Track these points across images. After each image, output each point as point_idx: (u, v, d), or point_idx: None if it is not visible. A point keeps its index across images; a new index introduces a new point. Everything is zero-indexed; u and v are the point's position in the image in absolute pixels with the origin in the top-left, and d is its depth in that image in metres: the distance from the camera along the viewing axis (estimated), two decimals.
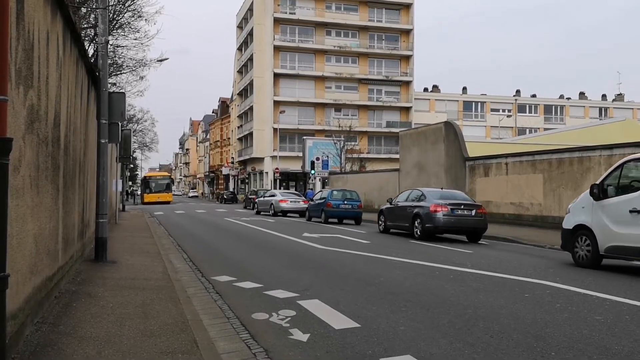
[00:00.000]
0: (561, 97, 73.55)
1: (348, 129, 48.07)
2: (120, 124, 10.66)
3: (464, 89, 70.37)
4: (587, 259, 10.28)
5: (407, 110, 62.72)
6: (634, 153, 16.52)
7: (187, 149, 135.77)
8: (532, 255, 12.58)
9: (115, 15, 17.21)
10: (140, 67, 21.77)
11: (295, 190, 48.30)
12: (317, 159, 43.65)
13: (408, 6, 62.39)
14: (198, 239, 15.97)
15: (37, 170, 5.00)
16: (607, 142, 19.90)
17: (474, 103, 69.19)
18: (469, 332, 5.33)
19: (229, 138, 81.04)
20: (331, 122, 55.23)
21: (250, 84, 62.23)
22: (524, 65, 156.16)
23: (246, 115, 66.22)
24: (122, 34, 18.70)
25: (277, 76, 58.62)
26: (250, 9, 62.65)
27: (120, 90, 19.56)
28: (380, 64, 62.28)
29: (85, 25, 14.62)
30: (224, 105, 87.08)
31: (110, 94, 10.30)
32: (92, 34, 15.47)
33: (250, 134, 62.01)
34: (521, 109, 70.33)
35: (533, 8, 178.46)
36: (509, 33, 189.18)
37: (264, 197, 33.12)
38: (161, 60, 21.70)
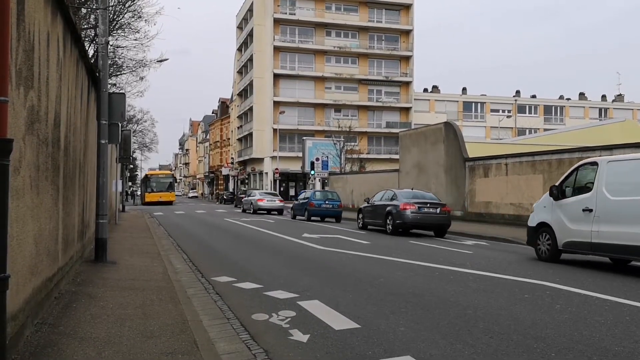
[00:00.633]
0: (561, 97, 73.58)
1: (348, 129, 48.08)
2: (120, 125, 10.66)
3: (464, 89, 70.41)
4: (548, 253, 11.34)
5: (407, 110, 62.74)
6: (634, 153, 16.60)
7: (186, 150, 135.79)
8: (532, 256, 12.58)
9: (115, 16, 17.21)
10: (140, 67, 21.79)
11: (295, 190, 52.25)
12: (317, 159, 43.65)
13: (408, 7, 62.43)
14: (198, 239, 15.97)
15: (37, 171, 5.00)
16: (607, 143, 19.91)
17: (473, 103, 69.20)
18: (469, 333, 5.34)
19: (228, 138, 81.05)
20: (331, 122, 55.25)
21: (250, 84, 62.25)
22: (523, 65, 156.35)
23: (246, 115, 66.23)
24: (122, 34, 18.71)
25: (277, 77, 58.65)
26: (250, 10, 62.66)
27: (120, 91, 19.59)
28: (380, 64, 62.31)
29: (85, 26, 14.62)
30: (224, 106, 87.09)
31: (110, 95, 10.31)
32: (92, 34, 15.47)
33: (250, 134, 62.02)
34: (521, 109, 70.36)
35: (533, 9, 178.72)
36: (509, 34, 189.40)
37: (248, 197, 37.02)
38: (161, 61, 21.71)
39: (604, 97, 75.34)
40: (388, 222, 18.32)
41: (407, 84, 62.67)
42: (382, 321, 5.79)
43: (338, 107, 60.44)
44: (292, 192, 57.95)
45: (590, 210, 10.26)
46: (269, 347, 4.85)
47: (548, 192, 11.55)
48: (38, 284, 5.24)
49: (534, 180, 21.56)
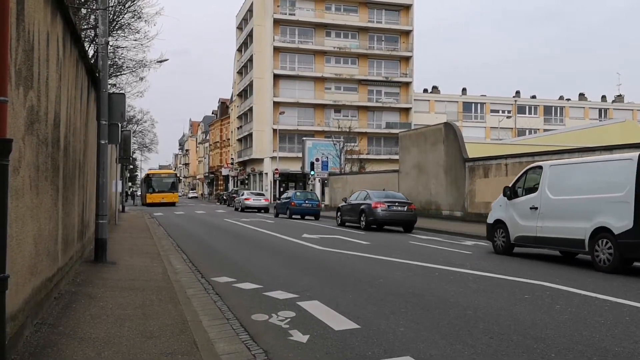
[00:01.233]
0: (561, 98, 73.60)
1: (348, 129, 48.08)
2: (120, 125, 10.66)
3: (464, 90, 70.43)
4: (503, 247, 12.82)
5: (406, 111, 62.75)
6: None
7: (186, 150, 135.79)
8: (532, 257, 12.58)
9: (115, 17, 17.22)
10: (140, 68, 21.81)
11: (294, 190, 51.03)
12: (317, 159, 43.66)
13: (408, 7, 62.43)
14: (198, 239, 15.97)
15: (36, 171, 5.00)
16: (607, 143, 19.90)
17: (473, 104, 69.21)
18: (469, 333, 5.33)
19: (228, 139, 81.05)
20: (331, 123, 55.22)
21: (250, 84, 62.25)
22: (523, 66, 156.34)
23: (246, 116, 66.23)
24: (122, 35, 18.73)
25: (276, 77, 58.65)
26: (250, 10, 62.67)
27: (120, 91, 19.57)
28: (380, 64, 62.30)
29: (85, 26, 14.63)
30: (224, 106, 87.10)
31: (110, 95, 10.30)
32: (92, 35, 15.48)
33: (250, 134, 62.02)
34: (521, 110, 70.37)
35: (533, 9, 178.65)
36: (509, 34, 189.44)
37: (238, 196, 41.79)
38: (161, 61, 21.73)
39: (603, 97, 75.36)
40: (362, 219, 20.58)
41: (407, 84, 62.68)
42: (382, 321, 5.79)
43: (338, 108, 60.44)
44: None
45: (536, 208, 11.81)
46: (268, 347, 4.85)
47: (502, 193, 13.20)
48: (37, 284, 5.24)
49: None
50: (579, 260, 11.94)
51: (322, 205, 30.37)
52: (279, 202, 31.98)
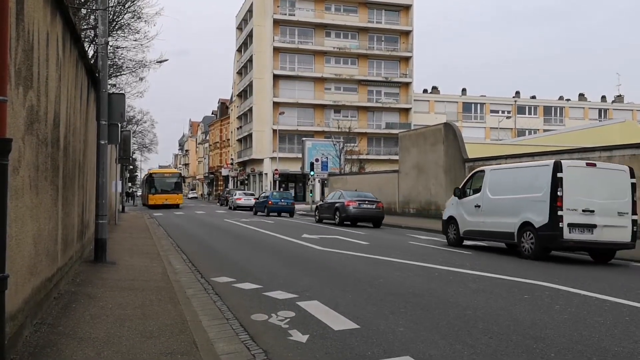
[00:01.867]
0: (560, 98, 73.62)
1: (347, 130, 48.09)
2: (119, 125, 10.66)
3: (464, 90, 70.46)
4: (454, 240, 14.80)
5: (406, 111, 62.77)
6: (634, 155, 16.59)
7: (186, 150, 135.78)
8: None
9: (115, 17, 17.21)
10: (139, 68, 21.79)
11: (295, 191, 53.61)
12: (317, 160, 43.61)
13: (407, 7, 62.45)
14: (197, 240, 15.97)
15: (36, 171, 5.00)
16: (607, 144, 19.90)
17: (473, 104, 69.23)
18: (469, 334, 5.33)
19: (228, 139, 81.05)
20: (330, 123, 55.22)
21: (250, 85, 62.26)
22: (523, 66, 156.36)
23: (245, 116, 66.24)
24: (122, 35, 18.72)
25: (276, 77, 58.65)
26: (250, 10, 62.68)
27: (120, 92, 19.56)
28: (379, 65, 62.31)
29: (85, 27, 14.63)
30: (224, 107, 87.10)
31: (110, 95, 10.30)
32: (92, 35, 15.48)
33: (250, 135, 62.03)
34: (521, 110, 70.39)
35: (533, 9, 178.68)
36: (509, 34, 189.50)
37: (231, 196, 46.05)
38: (161, 62, 21.72)
39: (603, 97, 75.39)
40: (336, 215, 23.33)
41: (407, 84, 62.69)
42: (382, 321, 5.79)
43: (338, 108, 60.44)
44: (292, 192, 58.01)
45: (479, 206, 13.82)
46: (268, 347, 4.85)
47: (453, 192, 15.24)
48: (37, 284, 5.24)
49: None
50: (579, 261, 11.95)
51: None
52: (258, 201, 35.60)
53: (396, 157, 39.98)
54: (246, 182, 67.28)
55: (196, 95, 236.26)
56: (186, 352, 4.53)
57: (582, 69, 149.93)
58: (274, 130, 55.67)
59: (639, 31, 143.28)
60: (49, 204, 5.76)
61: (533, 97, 72.45)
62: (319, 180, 44.96)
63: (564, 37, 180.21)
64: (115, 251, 11.17)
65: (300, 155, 49.68)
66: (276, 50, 58.76)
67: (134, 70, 21.88)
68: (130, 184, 70.80)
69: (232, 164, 73.41)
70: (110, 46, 16.44)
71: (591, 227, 11.50)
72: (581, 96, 74.21)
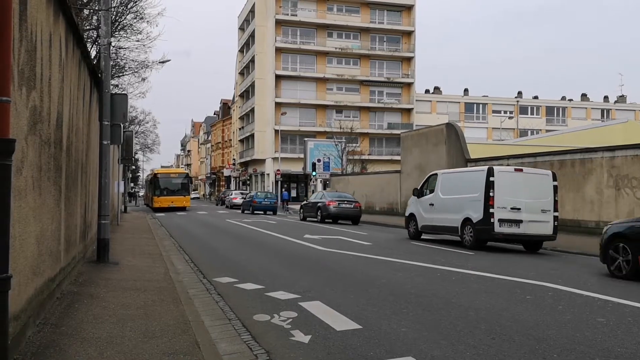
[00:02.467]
0: (563, 98, 73.46)
1: (349, 130, 48.07)
2: (122, 126, 10.67)
3: (466, 90, 70.32)
4: (414, 233, 17.09)
5: (408, 111, 62.70)
6: (636, 155, 16.54)
7: (188, 151, 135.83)
8: (533, 257, 12.58)
9: (117, 17, 17.22)
10: (142, 68, 21.77)
11: (297, 192, 54.44)
12: (319, 160, 43.62)
13: (409, 8, 62.39)
14: (199, 240, 15.98)
15: (39, 172, 5.01)
16: (609, 144, 19.87)
17: (475, 104, 69.10)
18: (471, 334, 5.33)
19: (230, 139, 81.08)
20: (332, 123, 55.10)
21: (252, 85, 62.27)
22: (525, 66, 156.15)
23: (247, 116, 66.26)
24: (125, 35, 18.72)
25: (278, 78, 58.64)
26: (252, 11, 62.69)
27: (122, 92, 19.59)
28: (381, 65, 62.25)
29: (87, 27, 14.65)
30: (226, 107, 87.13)
31: (113, 96, 10.32)
32: (95, 35, 15.49)
33: (252, 135, 62.04)
34: (523, 110, 70.25)
35: (535, 9, 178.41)
36: (511, 34, 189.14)
37: (229, 196, 49.75)
38: (163, 62, 21.67)
39: (606, 98, 75.19)
40: (318, 214, 25.91)
41: (409, 85, 62.62)
42: (384, 322, 5.79)
43: (339, 108, 60.40)
44: (293, 193, 58.03)
45: (433, 205, 16.14)
46: (270, 347, 4.85)
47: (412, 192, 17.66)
48: (40, 284, 5.25)
49: None
50: (580, 261, 11.94)
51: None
52: (244, 201, 39.90)
53: (398, 158, 39.89)
54: (248, 182, 67.28)
55: (198, 96, 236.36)
56: (188, 352, 4.53)
57: (585, 69, 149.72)
58: (276, 131, 55.66)
59: None
60: (51, 204, 5.78)
61: (535, 98, 72.30)
62: (320, 181, 44.92)
63: (565, 37, 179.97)
64: (117, 251, 11.19)
65: (302, 156, 49.68)
66: (278, 50, 58.75)
67: (136, 70, 21.88)
68: (132, 185, 70.91)
69: (234, 164, 73.41)
70: (113, 47, 16.46)
71: (518, 222, 13.76)
72: (584, 96, 74.06)
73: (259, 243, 14.93)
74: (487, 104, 69.31)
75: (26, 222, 4.50)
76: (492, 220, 13.68)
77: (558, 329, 5.57)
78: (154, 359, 4.35)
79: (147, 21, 18.73)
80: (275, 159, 54.39)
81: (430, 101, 66.74)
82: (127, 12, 17.85)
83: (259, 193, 39.64)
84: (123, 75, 22.14)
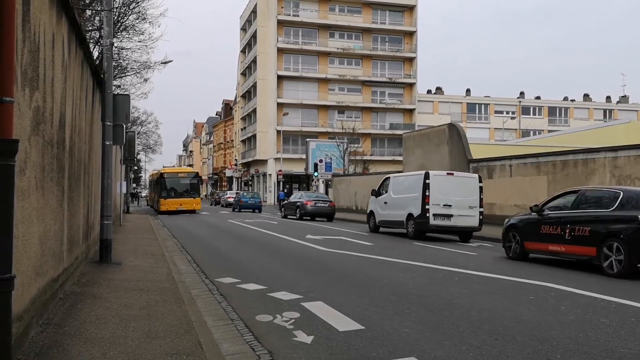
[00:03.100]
0: (565, 99, 73.37)
1: (351, 130, 48.05)
2: (124, 126, 10.69)
3: (468, 90, 70.29)
4: (373, 228, 20.29)
5: (410, 112, 62.70)
6: (638, 155, 16.51)
7: (190, 151, 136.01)
8: (535, 257, 12.56)
9: (119, 18, 17.24)
10: (144, 69, 21.76)
11: (298, 191, 53.70)
12: (321, 161, 43.62)
13: (411, 8, 62.40)
14: (202, 241, 15.99)
15: (42, 172, 5.02)
16: (612, 144, 19.84)
17: (477, 105, 69.07)
18: (474, 335, 5.32)
19: (232, 140, 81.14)
20: (334, 124, 55.13)
21: (254, 86, 62.31)
22: (527, 66, 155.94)
23: (249, 117, 66.31)
24: (127, 36, 18.72)
25: (280, 78, 58.69)
26: (254, 11, 62.74)
27: (125, 93, 19.61)
28: (383, 66, 62.26)
29: (90, 28, 14.67)
30: (228, 107, 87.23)
31: (115, 96, 10.33)
32: (97, 36, 15.51)
33: (254, 136, 62.08)
34: (525, 110, 70.20)
35: (537, 9, 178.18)
36: (513, 35, 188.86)
37: (223, 196, 55.45)
38: (165, 63, 21.68)
39: (608, 98, 75.08)
40: (297, 212, 29.02)
41: (411, 85, 62.63)
42: (386, 322, 5.78)
43: (341, 109, 60.42)
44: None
45: (386, 203, 19.27)
46: (273, 348, 4.85)
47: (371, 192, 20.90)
48: (43, 284, 5.26)
49: (539, 182, 21.49)
50: (583, 262, 11.88)
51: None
52: (234, 200, 44.90)
53: (400, 158, 39.89)
54: (250, 183, 67.32)
55: (200, 96, 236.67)
56: (191, 352, 4.54)
57: (587, 69, 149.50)
58: (278, 131, 55.71)
59: None
60: (54, 204, 5.78)
61: (537, 98, 72.23)
62: (322, 181, 44.93)
63: (567, 37, 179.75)
64: (120, 252, 11.20)
65: (304, 156, 49.71)
66: (280, 51, 58.80)
67: (138, 71, 21.86)
68: (134, 185, 71.00)
69: (236, 164, 73.48)
70: (115, 47, 16.47)
71: (449, 216, 16.82)
72: (586, 96, 73.96)
73: (261, 243, 14.93)
74: (489, 104, 69.27)
75: (29, 223, 4.51)
76: (428, 215, 16.67)
77: (561, 329, 5.56)
78: (157, 359, 4.36)
79: (150, 22, 18.73)
80: (277, 159, 54.44)
81: (432, 101, 66.72)
82: (130, 12, 17.86)
83: (245, 193, 44.94)
84: (125, 75, 22.15)
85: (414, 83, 62.51)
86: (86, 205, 9.26)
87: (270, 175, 57.87)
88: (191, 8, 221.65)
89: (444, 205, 16.70)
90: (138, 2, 17.58)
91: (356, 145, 49.50)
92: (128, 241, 14.30)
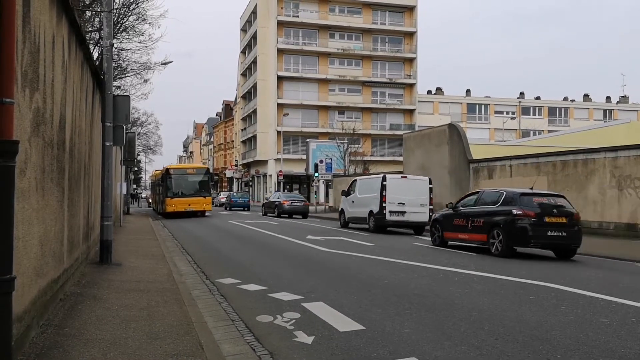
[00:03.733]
0: (565, 99, 73.34)
1: (351, 131, 48.05)
2: (124, 127, 10.69)
3: (468, 91, 70.27)
4: (343, 224, 22.92)
5: (410, 112, 62.69)
6: (638, 155, 16.53)
7: (190, 152, 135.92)
8: (536, 258, 12.56)
9: (119, 19, 17.25)
10: (144, 70, 21.80)
11: (299, 192, 53.62)
12: (321, 161, 43.60)
13: (411, 9, 62.39)
14: (202, 241, 15.99)
15: (42, 173, 5.02)
16: (612, 144, 19.84)
17: (477, 105, 69.05)
18: (474, 335, 5.32)
19: (232, 141, 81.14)
20: (335, 124, 55.14)
21: (254, 86, 62.31)
22: (527, 67, 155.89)
23: (250, 117, 66.30)
24: (127, 37, 18.75)
25: (280, 79, 58.70)
26: (254, 12, 62.74)
27: (125, 93, 19.62)
28: (383, 66, 62.25)
29: (90, 29, 14.68)
30: (228, 108, 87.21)
31: (115, 97, 10.34)
32: (97, 37, 15.53)
33: (254, 136, 62.07)
34: (525, 111, 70.18)
35: (537, 10, 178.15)
36: (513, 35, 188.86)
37: (217, 196, 56.50)
38: (165, 63, 21.71)
39: (608, 98, 75.05)
40: (275, 210, 32.37)
41: (411, 85, 62.62)
42: (387, 323, 5.78)
43: (342, 109, 60.40)
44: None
45: (354, 202, 22.17)
46: (273, 348, 4.85)
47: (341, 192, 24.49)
48: (43, 285, 5.26)
49: (539, 182, 21.49)
50: (582, 262, 11.92)
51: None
52: (226, 199, 47.58)
53: (401, 159, 39.83)
54: (250, 183, 67.32)
55: (200, 97, 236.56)
56: (192, 353, 4.54)
57: (587, 69, 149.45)
58: (278, 132, 55.70)
59: None
60: (55, 205, 5.79)
61: (537, 98, 72.20)
62: (323, 182, 44.94)
63: (567, 37, 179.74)
64: (120, 253, 11.20)
65: (304, 157, 49.71)
66: (280, 51, 58.79)
67: (138, 72, 21.90)
68: (135, 186, 71.01)
69: (236, 165, 73.46)
70: (115, 48, 16.48)
71: (403, 212, 19.68)
72: (586, 97, 73.92)
73: (262, 244, 14.93)
74: (489, 104, 69.25)
75: (29, 224, 4.51)
76: (385, 211, 19.60)
77: (561, 329, 5.56)
78: None
79: (149, 23, 18.76)
80: (277, 160, 54.43)
81: (433, 102, 66.70)
82: (130, 13, 17.88)
83: (234, 194, 49.17)
84: (125, 76, 22.19)
85: (414, 83, 62.50)
86: (86, 206, 9.26)
87: (270, 175, 57.86)
88: (190, 9, 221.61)
89: (398, 203, 19.60)
90: (138, 3, 17.60)
91: (356, 145, 49.50)
92: (128, 242, 14.30)
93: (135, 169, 60.81)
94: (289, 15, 59.59)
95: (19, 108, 3.99)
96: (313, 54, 60.20)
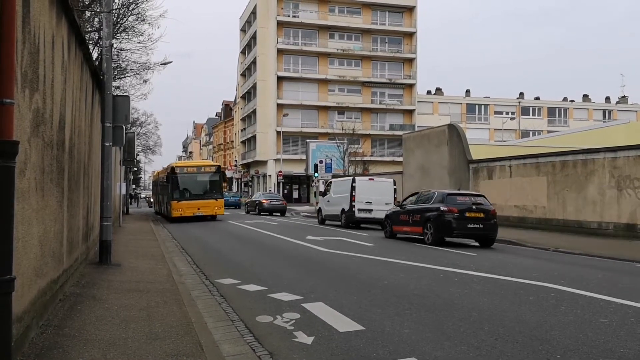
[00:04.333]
0: (565, 99, 73.35)
1: (351, 131, 48.03)
2: (124, 127, 10.69)
3: (467, 91, 70.28)
4: (320, 221, 25.55)
5: (410, 112, 62.69)
6: (638, 155, 16.55)
7: (190, 152, 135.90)
8: (536, 258, 12.56)
9: (119, 19, 17.26)
10: (144, 70, 21.82)
11: (299, 193, 56.17)
12: (321, 161, 43.58)
13: (411, 9, 62.40)
14: (202, 242, 15.99)
15: (42, 173, 5.02)
16: (611, 145, 19.84)
17: (477, 105, 69.06)
18: (474, 335, 5.32)
19: (232, 141, 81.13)
20: (334, 124, 55.11)
21: (254, 87, 62.29)
22: (527, 67, 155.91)
23: (249, 118, 66.28)
24: (126, 37, 18.77)
25: (280, 79, 58.69)
26: (254, 12, 62.73)
27: (124, 94, 19.62)
28: (383, 66, 62.25)
29: (89, 29, 14.69)
30: (227, 109, 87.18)
31: (115, 97, 10.34)
32: (97, 37, 15.53)
33: (254, 136, 62.05)
34: (525, 111, 70.19)
35: (537, 10, 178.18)
36: (513, 35, 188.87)
37: None
38: (165, 64, 21.72)
39: (607, 98, 75.06)
40: (256, 209, 36.00)
41: (411, 86, 62.61)
42: (387, 323, 5.78)
43: (341, 110, 60.39)
44: (295, 194, 58.08)
45: (329, 201, 24.70)
46: (273, 349, 4.85)
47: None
48: (43, 285, 5.26)
49: (538, 182, 21.51)
50: (581, 262, 11.91)
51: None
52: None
53: (400, 159, 39.82)
54: (250, 184, 67.30)
55: (200, 97, 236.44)
56: (192, 353, 4.54)
57: (586, 69, 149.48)
58: (278, 132, 55.70)
59: None
60: (54, 206, 5.78)
61: (537, 98, 72.21)
62: (323, 182, 44.91)
63: (567, 37, 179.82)
64: (119, 253, 11.20)
65: (304, 157, 49.69)
66: (280, 52, 58.79)
67: (138, 72, 21.93)
68: (134, 186, 70.99)
69: (236, 165, 73.45)
70: (115, 48, 16.47)
71: (370, 210, 22.25)
72: (585, 97, 73.94)
73: (261, 244, 14.93)
74: (488, 105, 69.25)
75: (29, 224, 4.51)
76: (354, 210, 22.32)
77: (561, 329, 5.56)
78: None
79: (149, 23, 18.78)
80: (277, 160, 54.41)
81: (432, 102, 66.70)
82: (129, 14, 17.90)
83: (227, 193, 49.56)
84: (125, 77, 22.20)
85: (414, 84, 62.49)
86: (86, 206, 9.26)
87: (270, 176, 57.84)
88: (190, 9, 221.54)
89: (366, 202, 22.27)
90: (137, 4, 17.61)
91: (356, 146, 49.44)
92: (128, 242, 14.30)
93: (135, 169, 60.79)
94: (289, 16, 59.58)
95: (19, 108, 3.99)
96: (313, 54, 60.19)
